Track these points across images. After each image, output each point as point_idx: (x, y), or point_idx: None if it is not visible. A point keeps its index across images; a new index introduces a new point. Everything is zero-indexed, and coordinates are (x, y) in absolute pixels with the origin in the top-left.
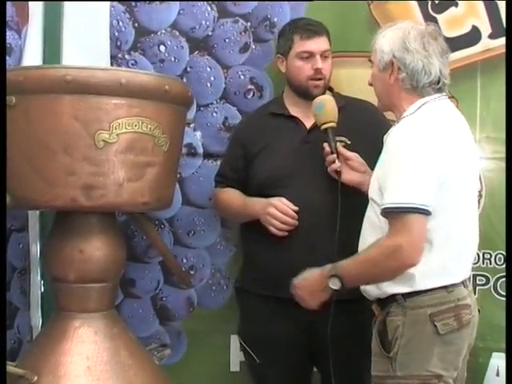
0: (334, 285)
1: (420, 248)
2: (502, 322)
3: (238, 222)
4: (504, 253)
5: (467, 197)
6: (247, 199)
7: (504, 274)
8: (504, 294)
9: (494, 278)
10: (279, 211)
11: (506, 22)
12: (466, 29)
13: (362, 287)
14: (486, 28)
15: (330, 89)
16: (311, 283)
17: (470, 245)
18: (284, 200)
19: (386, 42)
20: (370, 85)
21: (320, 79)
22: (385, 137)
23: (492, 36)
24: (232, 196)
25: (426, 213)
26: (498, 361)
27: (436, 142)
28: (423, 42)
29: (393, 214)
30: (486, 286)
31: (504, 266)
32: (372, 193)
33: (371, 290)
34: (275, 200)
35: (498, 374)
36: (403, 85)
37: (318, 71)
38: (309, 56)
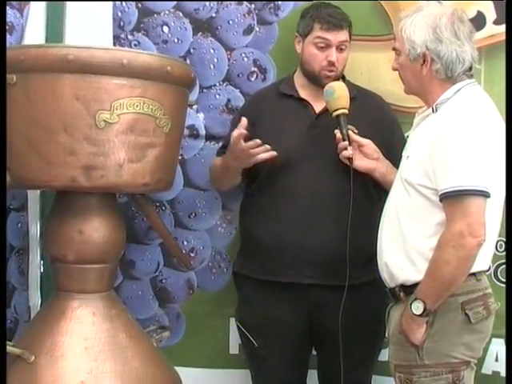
0: (417, 309)
1: (480, 227)
2: (501, 309)
3: (226, 185)
4: (504, 239)
5: (499, 182)
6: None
7: (505, 260)
8: (504, 280)
9: (495, 265)
10: (240, 143)
11: (506, 21)
12: (470, 14)
13: (385, 273)
14: (490, 14)
15: (343, 77)
16: (407, 327)
17: (495, 231)
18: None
19: (417, 31)
20: (395, 70)
21: (332, 71)
22: (417, 120)
23: (496, 22)
24: (217, 159)
25: (486, 195)
26: (497, 346)
27: (485, 126)
28: (454, 29)
29: (452, 199)
30: (487, 273)
31: (504, 252)
32: (411, 176)
33: (397, 275)
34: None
35: (496, 360)
36: (437, 75)
37: (332, 63)
38: (325, 45)
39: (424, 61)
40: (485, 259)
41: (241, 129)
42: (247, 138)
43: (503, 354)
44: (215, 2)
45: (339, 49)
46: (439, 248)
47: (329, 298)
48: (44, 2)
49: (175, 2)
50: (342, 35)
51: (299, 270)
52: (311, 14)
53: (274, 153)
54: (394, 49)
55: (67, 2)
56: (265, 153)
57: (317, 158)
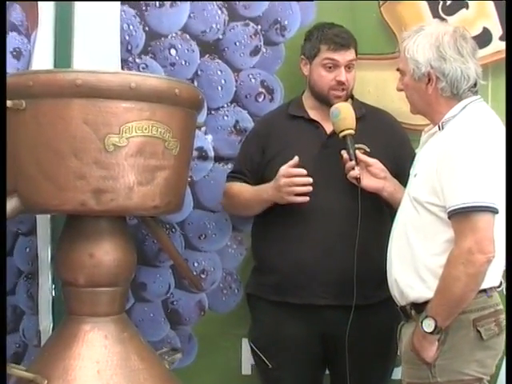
0: (428, 326)
1: (489, 243)
2: None
3: (247, 214)
4: None
5: (504, 196)
6: (258, 186)
7: None
8: None
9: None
10: (290, 176)
11: (506, 22)
12: (476, 31)
13: (395, 291)
14: (496, 30)
15: (351, 96)
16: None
17: (503, 247)
18: (287, 165)
19: (420, 51)
20: (400, 90)
21: (342, 90)
22: (423, 138)
23: (503, 38)
24: (243, 186)
25: (494, 211)
26: None
27: (492, 142)
28: (457, 46)
29: (460, 216)
30: (499, 289)
31: None
32: (420, 194)
33: (407, 293)
34: (282, 171)
35: None
36: (443, 93)
37: (341, 83)
38: (333, 66)
39: (429, 80)
40: (495, 275)
41: (291, 165)
42: (259, 160)
43: None
44: (222, 24)
45: (347, 68)
46: (449, 265)
47: (342, 318)
48: (52, 27)
49: (182, 25)
50: (350, 54)
51: (312, 290)
52: (316, 35)
53: (306, 198)
54: (398, 69)
55: (75, 27)
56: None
57: (329, 178)
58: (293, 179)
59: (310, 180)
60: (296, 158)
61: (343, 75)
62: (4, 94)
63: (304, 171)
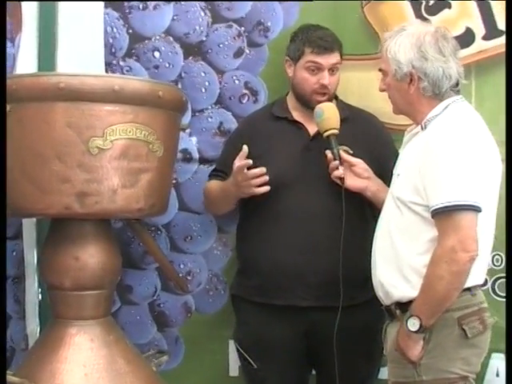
0: (413, 326)
1: (472, 242)
2: (500, 323)
3: (219, 211)
4: (501, 254)
5: (491, 197)
6: (223, 182)
7: (502, 274)
8: (502, 294)
9: (492, 279)
10: (241, 170)
11: (506, 22)
12: (459, 31)
13: (380, 291)
14: (479, 29)
15: (335, 97)
16: (404, 344)
17: (488, 246)
18: (238, 157)
19: (401, 51)
20: (382, 91)
21: (325, 94)
22: (406, 138)
23: (485, 37)
24: (216, 183)
25: (476, 209)
26: (498, 361)
27: (474, 142)
28: (438, 46)
29: (443, 215)
30: (485, 287)
31: (501, 266)
32: (403, 194)
33: (391, 293)
34: (234, 168)
35: (497, 375)
36: (424, 93)
37: (324, 86)
38: (317, 69)
39: (411, 80)
40: (479, 273)
41: (243, 158)
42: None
43: (504, 368)
44: (205, 26)
45: (331, 71)
46: (432, 264)
47: (325, 319)
48: (35, 31)
49: (165, 27)
50: (334, 58)
51: (295, 292)
52: (301, 37)
53: (267, 188)
54: (380, 70)
55: (58, 30)
56: (262, 187)
57: (311, 180)
58: (247, 173)
59: (264, 169)
60: (245, 148)
61: (326, 79)
62: (4, 96)
63: (249, 161)
